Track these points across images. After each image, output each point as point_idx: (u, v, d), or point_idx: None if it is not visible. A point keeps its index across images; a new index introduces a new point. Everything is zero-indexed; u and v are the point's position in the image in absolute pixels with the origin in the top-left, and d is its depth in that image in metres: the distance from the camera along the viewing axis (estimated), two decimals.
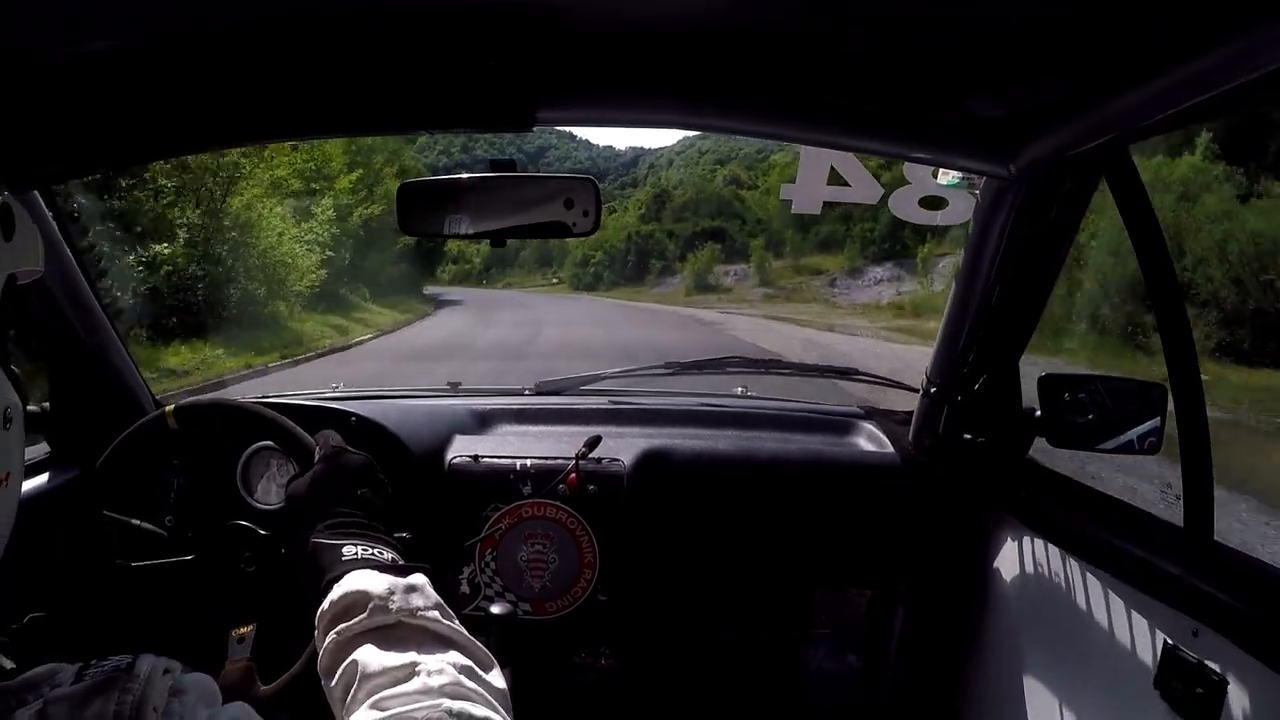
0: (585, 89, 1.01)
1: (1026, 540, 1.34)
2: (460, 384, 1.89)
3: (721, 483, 1.56)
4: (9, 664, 0.53)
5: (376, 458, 0.97)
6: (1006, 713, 1.37)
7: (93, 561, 1.17)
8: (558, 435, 1.60)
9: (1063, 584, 1.23)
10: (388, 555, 0.79)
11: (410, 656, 0.65)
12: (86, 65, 0.83)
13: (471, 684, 0.64)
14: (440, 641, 0.68)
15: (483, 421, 1.66)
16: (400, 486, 1.03)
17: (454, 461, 1.51)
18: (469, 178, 1.24)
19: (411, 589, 0.72)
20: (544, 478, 1.49)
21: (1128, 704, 1.03)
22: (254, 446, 1.42)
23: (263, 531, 1.26)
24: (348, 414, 1.46)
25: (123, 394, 1.47)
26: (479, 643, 0.71)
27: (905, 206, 1.54)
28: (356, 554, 0.77)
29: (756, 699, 1.63)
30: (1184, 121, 0.84)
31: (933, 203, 1.54)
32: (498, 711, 0.62)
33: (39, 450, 1.40)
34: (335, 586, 0.73)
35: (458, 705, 0.60)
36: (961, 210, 1.49)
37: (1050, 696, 1.25)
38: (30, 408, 1.32)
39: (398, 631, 0.68)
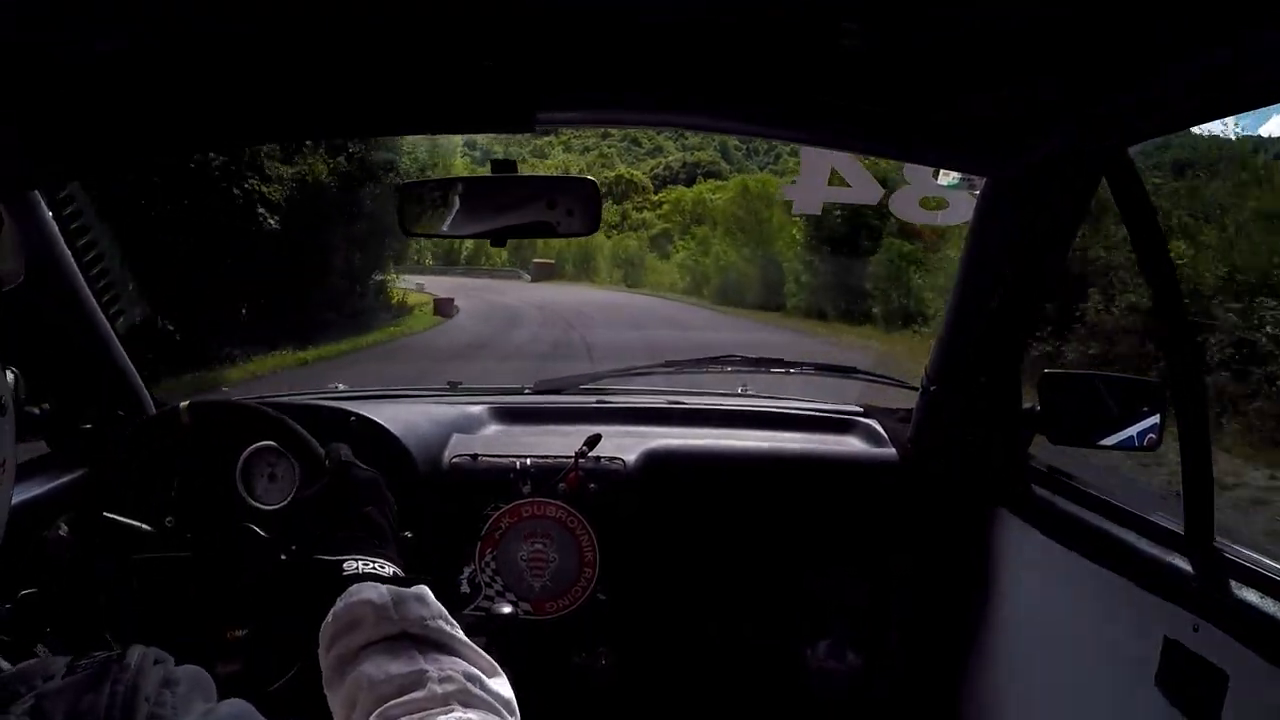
0: (585, 89, 1.01)
1: (1026, 537, 1.34)
2: (460, 383, 1.89)
3: (721, 481, 1.56)
4: (6, 665, 0.53)
5: (376, 457, 0.97)
6: (1007, 709, 1.38)
7: (92, 557, 1.17)
8: (557, 434, 1.60)
9: (1063, 580, 1.23)
10: (389, 570, 0.79)
11: (417, 665, 0.65)
12: (87, 66, 0.83)
13: (479, 691, 0.64)
14: (445, 650, 0.68)
15: (482, 420, 1.66)
16: (400, 486, 1.03)
17: (454, 461, 1.51)
18: (470, 178, 1.24)
19: (416, 599, 0.72)
20: (544, 477, 1.49)
21: (1129, 700, 1.03)
22: (254, 446, 1.42)
23: (262, 533, 1.25)
24: (348, 413, 1.46)
25: (123, 394, 1.47)
26: (484, 652, 0.71)
27: (906, 207, 1.55)
28: (358, 569, 0.77)
29: (756, 697, 1.64)
30: (1183, 122, 0.85)
31: (933, 203, 1.54)
32: (503, 719, 0.62)
33: (39, 450, 1.40)
34: (338, 600, 0.73)
35: (469, 714, 0.60)
36: (961, 210, 1.49)
37: (1051, 692, 1.25)
38: (30, 409, 1.32)
39: (402, 642, 0.68)
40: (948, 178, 1.46)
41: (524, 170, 1.13)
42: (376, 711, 0.62)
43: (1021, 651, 1.36)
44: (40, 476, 1.30)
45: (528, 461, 1.50)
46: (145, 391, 1.52)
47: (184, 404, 1.20)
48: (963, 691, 1.52)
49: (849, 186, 1.55)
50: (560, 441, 1.55)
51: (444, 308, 19.21)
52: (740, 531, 1.56)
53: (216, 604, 1.21)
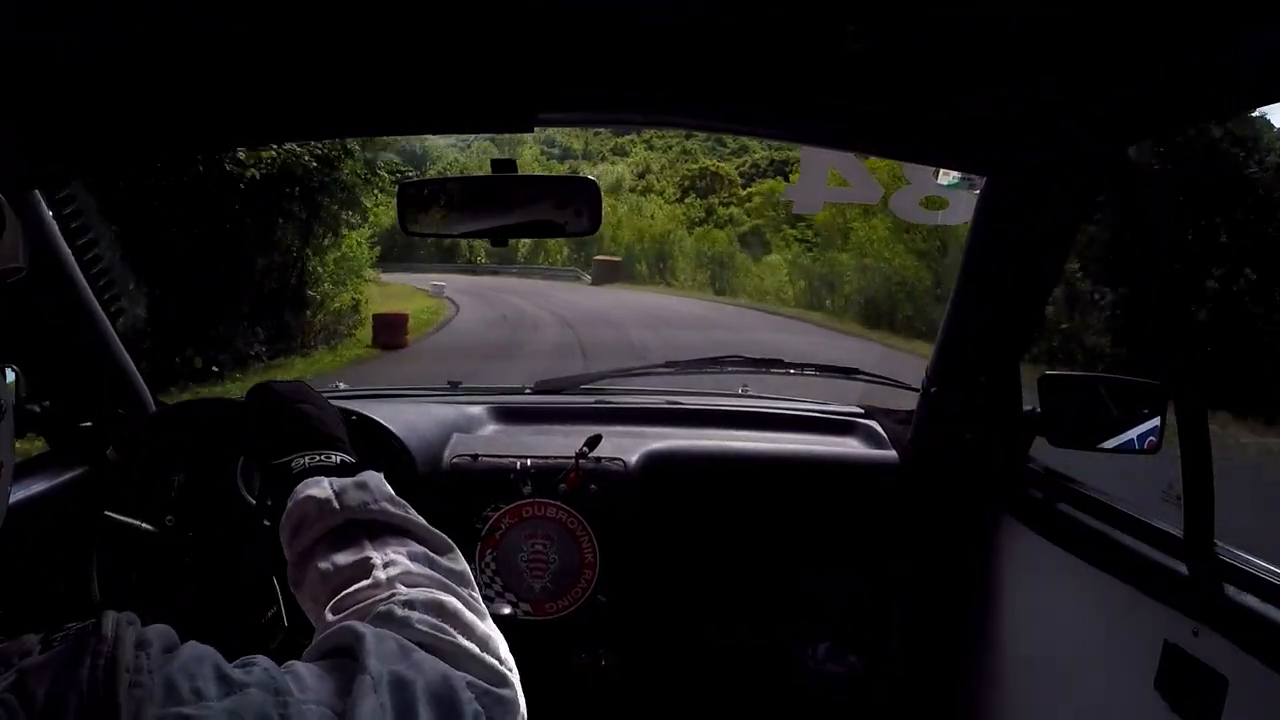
0: (585, 89, 1.01)
1: (1026, 540, 1.34)
2: (460, 383, 1.89)
3: (722, 482, 1.56)
4: None
5: (375, 456, 0.97)
6: (1006, 712, 1.37)
7: (98, 562, 1.17)
8: (558, 434, 1.60)
9: (1062, 583, 1.23)
10: (336, 458, 0.78)
11: (363, 553, 0.65)
12: (87, 66, 0.83)
13: (426, 569, 0.64)
14: (394, 532, 0.69)
15: (482, 421, 1.66)
16: (400, 486, 1.03)
17: (454, 461, 1.51)
18: (469, 177, 1.24)
19: (359, 486, 0.72)
20: (544, 477, 1.49)
21: (1128, 704, 1.03)
22: None
23: (265, 523, 1.26)
24: (348, 412, 1.46)
25: (123, 393, 1.47)
26: (436, 529, 0.71)
27: (906, 206, 1.54)
28: (305, 464, 0.77)
29: (756, 699, 1.63)
30: (1182, 122, 0.84)
31: (933, 203, 1.54)
32: (453, 593, 0.61)
33: (39, 448, 1.40)
34: (288, 500, 0.73)
35: (411, 593, 0.60)
36: (962, 210, 1.49)
37: (1050, 696, 1.25)
38: (30, 406, 1.33)
39: (350, 531, 0.68)
40: (948, 177, 1.46)
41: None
42: (329, 604, 0.62)
43: (1021, 655, 1.36)
44: (40, 475, 1.30)
45: (528, 462, 1.50)
46: (145, 390, 1.52)
47: (109, 450, 1.20)
48: (962, 694, 1.51)
49: (849, 186, 1.55)
50: (560, 442, 1.54)
51: (388, 334, 12.22)
52: (740, 532, 1.56)
53: (232, 597, 1.21)
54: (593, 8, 0.84)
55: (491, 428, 1.66)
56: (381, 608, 0.58)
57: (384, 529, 0.69)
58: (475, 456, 1.52)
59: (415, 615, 0.56)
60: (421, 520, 0.71)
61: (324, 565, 0.66)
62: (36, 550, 1.19)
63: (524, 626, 1.46)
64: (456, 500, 1.49)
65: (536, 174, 1.18)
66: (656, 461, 1.54)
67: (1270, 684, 0.81)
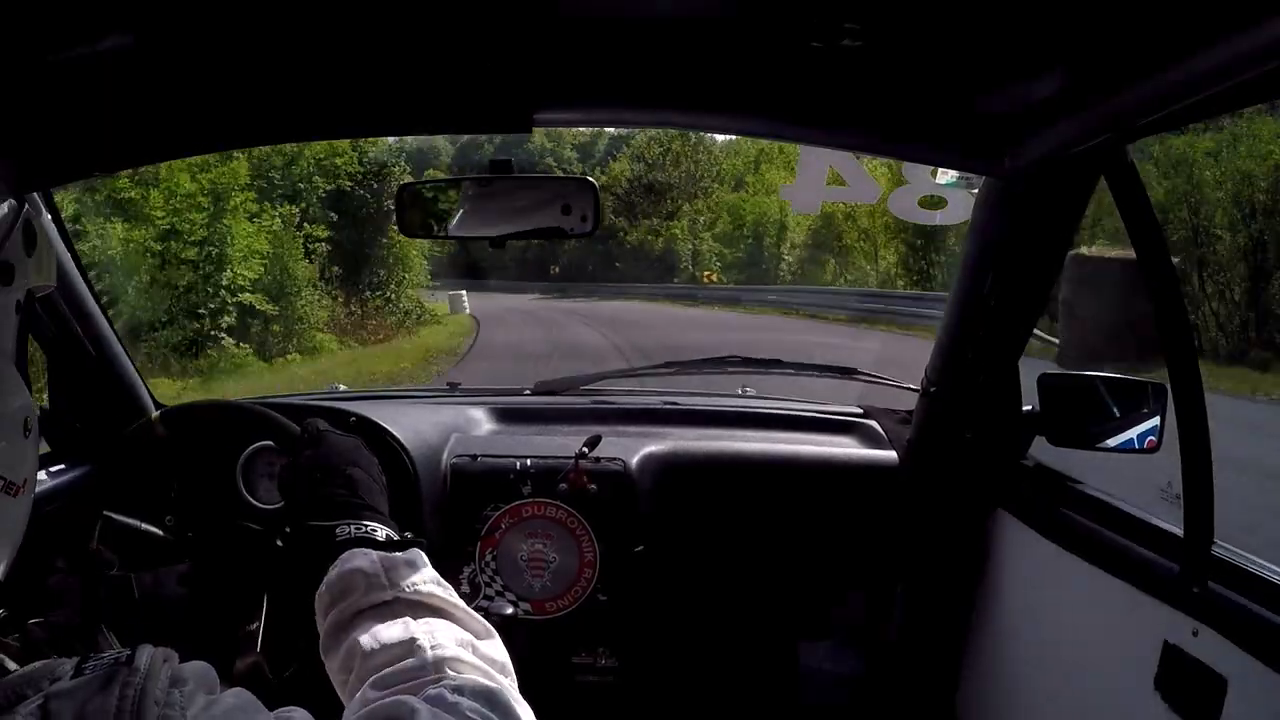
0: (584, 89, 1.01)
1: (1026, 539, 1.34)
2: (460, 384, 1.89)
3: (722, 482, 1.56)
4: (12, 665, 0.53)
5: (376, 458, 0.97)
6: (1006, 712, 1.37)
7: (94, 567, 1.17)
8: (557, 435, 1.60)
9: (1062, 583, 1.23)
10: (382, 533, 0.78)
11: (408, 632, 0.65)
12: (87, 66, 0.83)
13: (471, 657, 0.64)
14: (438, 615, 0.68)
15: (482, 421, 1.66)
16: (400, 487, 1.03)
17: (453, 461, 1.51)
18: (468, 179, 1.25)
19: (408, 564, 0.72)
20: (544, 477, 1.49)
21: (1128, 704, 1.03)
22: (254, 446, 1.42)
23: (265, 529, 1.26)
24: (347, 414, 1.46)
25: (123, 394, 1.47)
26: (477, 614, 0.71)
27: (904, 206, 1.55)
28: (350, 533, 0.76)
29: (756, 698, 1.63)
30: (1183, 120, 0.84)
31: (932, 202, 1.54)
32: (498, 683, 0.62)
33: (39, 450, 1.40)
34: (331, 568, 0.73)
35: (460, 679, 0.60)
36: (960, 210, 1.49)
37: (1050, 696, 1.25)
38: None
39: (395, 608, 0.68)
40: (947, 177, 1.46)
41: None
42: (370, 680, 0.62)
43: (1020, 654, 1.36)
44: (40, 474, 1.30)
45: (528, 462, 1.50)
46: (146, 391, 1.53)
47: (154, 414, 1.20)
48: (962, 694, 1.51)
49: (846, 186, 1.55)
50: (560, 442, 1.55)
51: None
52: (740, 532, 1.56)
53: (224, 603, 1.21)
54: (592, 7, 0.84)
55: (491, 428, 1.66)
56: (432, 690, 0.58)
57: (428, 610, 0.69)
58: (475, 457, 1.52)
59: (465, 702, 0.56)
60: (464, 604, 0.71)
61: (365, 640, 0.66)
62: (37, 551, 1.19)
63: (524, 626, 1.47)
64: (456, 500, 1.49)
65: (535, 175, 1.18)
66: (656, 462, 1.54)
67: (1270, 684, 0.81)
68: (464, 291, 20.62)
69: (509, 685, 0.63)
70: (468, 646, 0.65)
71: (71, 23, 0.77)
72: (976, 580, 1.47)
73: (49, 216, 1.23)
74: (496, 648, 0.68)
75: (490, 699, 0.57)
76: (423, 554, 0.75)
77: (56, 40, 0.79)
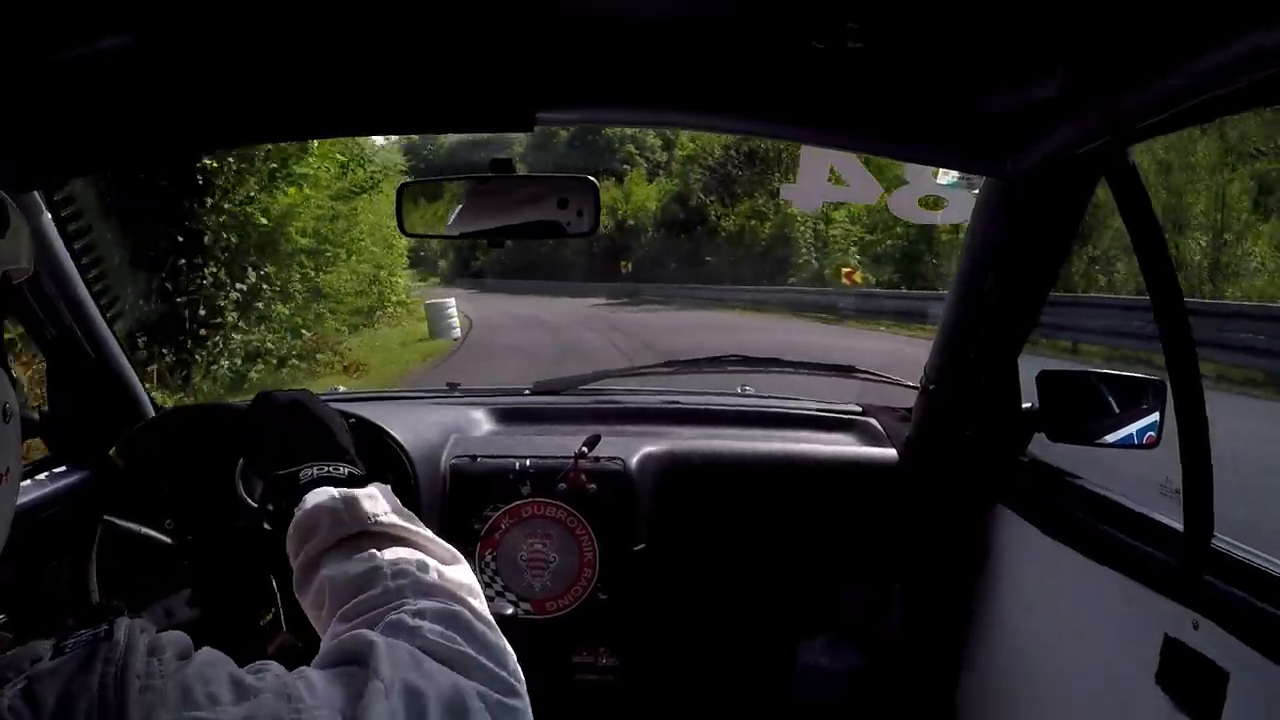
0: (586, 88, 1.01)
1: (1026, 535, 1.34)
2: (459, 384, 1.89)
3: (721, 481, 1.56)
4: None
5: (375, 458, 0.97)
6: (1006, 707, 1.38)
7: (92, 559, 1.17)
8: (557, 434, 1.60)
9: (1062, 578, 1.24)
10: (344, 470, 0.80)
11: (372, 563, 0.66)
12: (87, 65, 0.83)
13: (434, 579, 0.65)
14: (401, 544, 0.69)
15: (481, 422, 1.66)
16: (399, 487, 1.03)
17: (453, 462, 1.51)
18: (468, 177, 1.24)
19: (369, 498, 0.73)
20: (543, 477, 1.49)
21: (1129, 698, 1.03)
22: None
23: (266, 526, 1.26)
24: (346, 415, 1.46)
25: (121, 396, 1.46)
26: (442, 540, 0.72)
27: (905, 206, 1.55)
28: (313, 475, 0.78)
29: (756, 696, 1.64)
30: (1184, 122, 0.85)
31: (932, 202, 1.55)
32: (463, 604, 0.62)
33: (38, 452, 1.40)
34: (296, 509, 0.74)
35: (421, 603, 0.60)
36: (960, 210, 1.49)
37: (1051, 691, 1.25)
38: (28, 412, 1.32)
39: (359, 541, 0.69)
40: (946, 177, 1.46)
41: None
42: (339, 612, 0.63)
43: (1021, 649, 1.36)
44: (40, 478, 1.29)
45: (527, 462, 1.50)
46: (144, 393, 1.52)
47: (111, 450, 1.20)
48: (962, 690, 1.52)
49: (847, 186, 1.55)
50: (560, 442, 1.55)
51: None
52: (740, 530, 1.56)
53: (237, 601, 1.21)
54: (593, 6, 0.84)
55: (490, 428, 1.66)
56: (392, 616, 0.58)
57: (392, 540, 0.70)
58: (474, 457, 1.52)
59: (426, 625, 0.57)
60: (429, 532, 0.72)
61: (332, 574, 0.67)
62: (36, 554, 1.19)
63: (525, 625, 1.47)
64: (456, 501, 1.49)
65: (535, 174, 1.18)
66: (655, 461, 1.54)
67: (1271, 676, 0.82)
68: (451, 299, 14.87)
69: (477, 606, 0.63)
70: (432, 572, 0.66)
71: (71, 23, 0.77)
72: (976, 576, 1.47)
73: (49, 216, 1.23)
74: (463, 571, 0.68)
75: (452, 619, 0.58)
76: (385, 487, 0.76)
77: (56, 40, 0.79)
